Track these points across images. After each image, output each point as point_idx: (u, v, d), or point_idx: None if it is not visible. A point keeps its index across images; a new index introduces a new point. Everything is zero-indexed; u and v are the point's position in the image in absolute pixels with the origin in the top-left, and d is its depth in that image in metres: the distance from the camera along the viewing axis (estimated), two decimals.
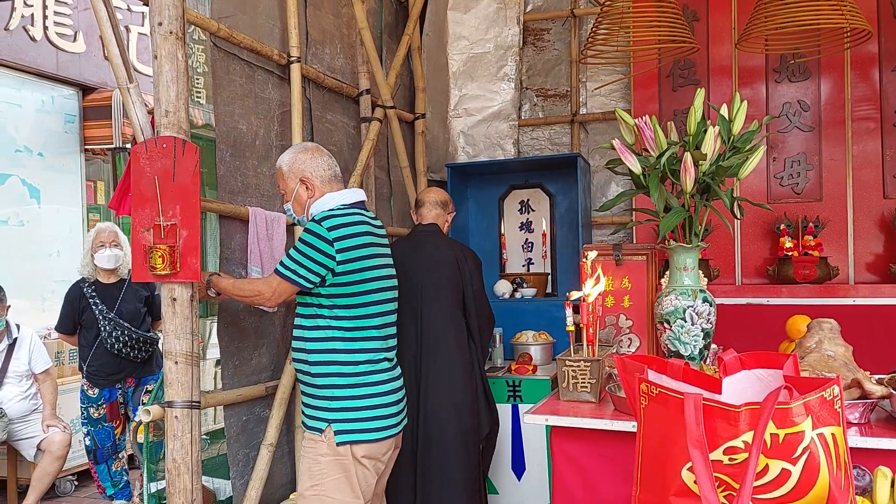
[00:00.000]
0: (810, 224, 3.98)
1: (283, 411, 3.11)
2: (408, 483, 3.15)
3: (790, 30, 3.47)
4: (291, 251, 2.35)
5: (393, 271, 2.53)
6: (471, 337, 3.27)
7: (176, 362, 2.36)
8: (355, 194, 2.47)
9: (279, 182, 2.53)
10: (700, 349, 2.30)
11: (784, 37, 3.68)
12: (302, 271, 2.27)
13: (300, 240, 2.33)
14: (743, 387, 1.31)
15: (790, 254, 3.93)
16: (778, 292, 3.79)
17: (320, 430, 2.30)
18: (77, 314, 4.39)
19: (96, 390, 4.33)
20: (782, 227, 4.04)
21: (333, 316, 2.31)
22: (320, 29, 3.73)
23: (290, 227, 3.24)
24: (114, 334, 4.28)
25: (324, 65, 3.74)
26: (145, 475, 2.98)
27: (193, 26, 2.79)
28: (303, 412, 2.42)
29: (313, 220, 2.34)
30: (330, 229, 2.29)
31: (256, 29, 3.17)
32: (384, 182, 4.37)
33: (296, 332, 2.42)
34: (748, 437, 1.12)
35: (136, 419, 3.25)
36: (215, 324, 3.03)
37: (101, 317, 4.30)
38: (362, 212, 2.43)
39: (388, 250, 2.53)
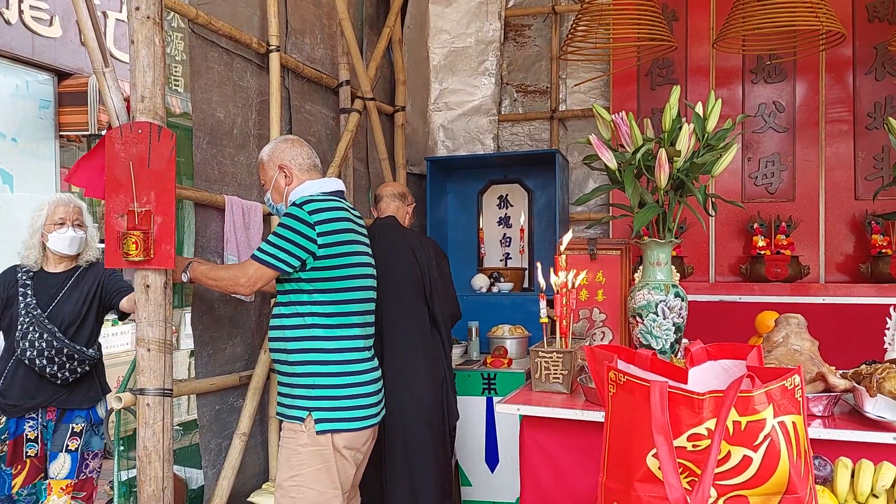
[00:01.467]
0: (783, 223, 4.05)
1: (256, 401, 3.10)
2: (374, 478, 3.11)
3: (767, 31, 3.53)
4: (270, 237, 2.32)
5: (372, 261, 2.53)
6: (435, 326, 3.25)
7: (149, 349, 2.35)
8: (334, 183, 2.48)
9: (260, 173, 2.54)
10: (671, 343, 2.33)
11: (761, 38, 3.74)
12: (282, 255, 2.26)
13: (280, 224, 2.32)
14: (708, 377, 1.34)
15: (763, 252, 3.99)
16: (750, 290, 3.85)
17: (301, 419, 2.29)
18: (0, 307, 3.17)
19: (2, 419, 3.12)
20: (755, 226, 4.10)
21: (314, 301, 2.31)
22: (300, 18, 3.71)
23: (266, 217, 3.23)
24: (31, 338, 3.03)
25: (303, 55, 3.72)
26: (116, 464, 2.92)
27: (172, 13, 2.77)
28: (280, 402, 2.40)
29: (294, 204, 2.34)
30: (311, 213, 2.28)
31: (235, 17, 3.15)
32: (362, 174, 4.36)
33: (274, 321, 2.41)
34: (711, 424, 1.14)
35: (109, 406, 3.21)
36: (187, 313, 3.02)
37: (23, 312, 3.07)
38: (342, 200, 2.43)
39: (367, 240, 2.53)
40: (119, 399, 2.40)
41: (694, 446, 1.14)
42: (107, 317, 3.38)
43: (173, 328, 2.44)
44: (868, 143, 4.08)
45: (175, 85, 4.83)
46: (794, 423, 1.17)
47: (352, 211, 2.47)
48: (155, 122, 2.31)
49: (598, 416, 1.84)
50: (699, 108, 2.36)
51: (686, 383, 1.27)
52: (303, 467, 2.30)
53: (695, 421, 1.14)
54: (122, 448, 2.75)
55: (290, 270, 2.28)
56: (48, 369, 3.06)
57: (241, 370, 3.12)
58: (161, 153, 2.31)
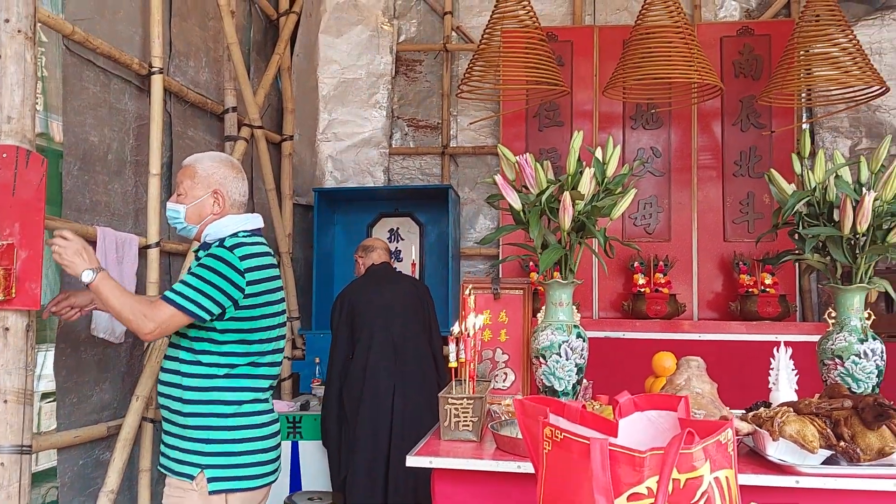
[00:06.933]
0: (660, 263, 4.24)
1: (126, 454, 2.83)
2: (376, 483, 3.38)
3: (647, 81, 3.72)
4: (188, 278, 2.07)
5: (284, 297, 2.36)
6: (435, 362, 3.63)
7: (5, 401, 2.06)
8: (255, 220, 2.26)
9: (183, 179, 2.22)
10: (573, 384, 2.34)
11: (641, 87, 3.94)
12: (204, 301, 2.02)
13: (204, 265, 2.07)
14: (636, 429, 1.33)
15: (643, 290, 4.16)
16: (633, 326, 3.99)
17: (191, 477, 2.06)
18: None
19: None
20: (636, 264, 4.27)
21: (224, 352, 2.09)
22: (185, 40, 3.52)
23: (142, 250, 2.99)
24: None
25: (187, 78, 3.52)
26: None
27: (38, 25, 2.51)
28: (166, 454, 2.15)
29: (222, 245, 2.11)
30: (242, 258, 2.08)
31: (115, 35, 2.93)
32: (248, 204, 4.16)
33: (169, 365, 2.16)
34: (652, 482, 1.12)
35: None
36: (50, 353, 2.71)
37: None
38: (264, 240, 2.25)
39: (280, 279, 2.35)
40: None
41: None
42: None
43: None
44: (735, 188, 4.38)
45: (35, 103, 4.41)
46: (727, 477, 1.18)
47: (269, 248, 2.30)
48: (23, 145, 2.07)
49: (511, 465, 1.80)
50: (599, 153, 2.41)
51: (616, 437, 1.25)
52: None
53: (635, 480, 1.12)
54: None
55: (208, 318, 2.05)
56: None
57: (109, 419, 2.85)
58: (28, 180, 2.06)
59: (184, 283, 2.06)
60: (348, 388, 3.47)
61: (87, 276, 2.03)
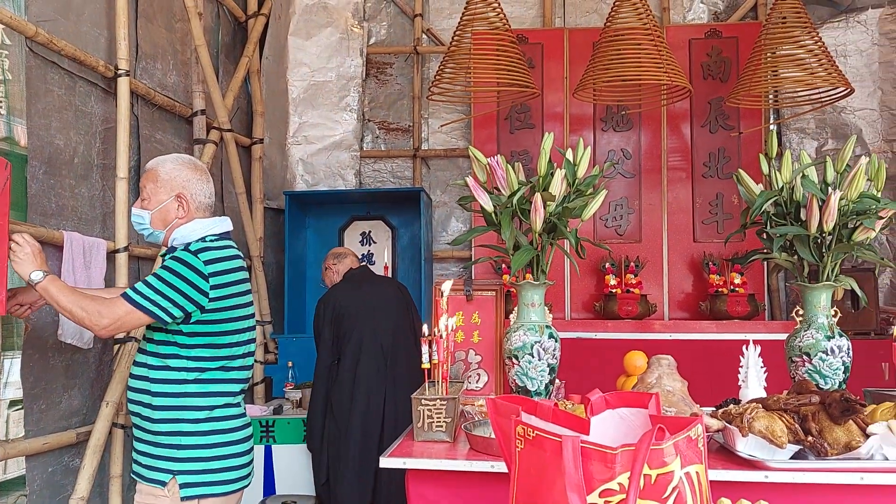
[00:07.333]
0: (632, 263, 4.28)
1: (96, 460, 2.79)
2: (365, 489, 3.35)
3: (616, 83, 3.76)
4: (151, 279, 2.04)
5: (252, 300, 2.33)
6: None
7: None
8: (224, 223, 2.22)
9: (146, 184, 2.18)
10: (546, 384, 2.35)
11: (611, 89, 3.97)
12: (164, 303, 1.99)
13: (167, 267, 2.04)
14: (608, 426, 1.33)
15: (614, 291, 4.19)
16: (605, 327, 4.02)
17: (162, 483, 2.03)
18: None
19: None
20: (607, 265, 4.31)
21: (193, 357, 2.06)
22: (152, 42, 3.47)
23: (110, 255, 2.94)
24: None
25: (154, 81, 3.48)
26: None
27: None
28: (138, 461, 2.11)
29: (187, 249, 2.07)
30: (207, 263, 2.05)
31: (80, 37, 2.88)
32: (217, 208, 4.11)
33: (137, 371, 2.12)
34: (623, 478, 1.13)
35: None
36: (16, 359, 2.66)
37: None
38: (233, 244, 2.22)
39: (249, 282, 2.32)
40: None
41: (606, 502, 1.13)
42: None
43: None
44: (704, 189, 4.44)
45: None
46: (697, 472, 1.19)
47: (239, 254, 2.26)
48: None
49: (485, 465, 1.80)
50: (570, 155, 2.42)
51: (588, 434, 1.26)
52: None
53: (607, 476, 1.13)
54: None
55: (169, 321, 2.02)
56: None
57: (78, 426, 2.81)
58: None
59: (145, 282, 2.04)
60: (337, 393, 3.42)
61: (36, 277, 2.01)
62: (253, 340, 2.25)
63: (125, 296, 2.02)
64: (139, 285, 2.04)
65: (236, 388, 2.16)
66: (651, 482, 1.14)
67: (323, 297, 3.57)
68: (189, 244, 2.11)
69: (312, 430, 3.49)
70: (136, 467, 2.13)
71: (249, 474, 2.19)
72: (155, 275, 2.05)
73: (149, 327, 2.13)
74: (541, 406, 1.32)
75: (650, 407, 1.30)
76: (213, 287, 2.04)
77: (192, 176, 2.19)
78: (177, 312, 2.01)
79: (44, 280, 2.01)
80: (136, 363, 2.15)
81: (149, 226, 2.17)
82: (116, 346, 2.98)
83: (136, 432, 2.13)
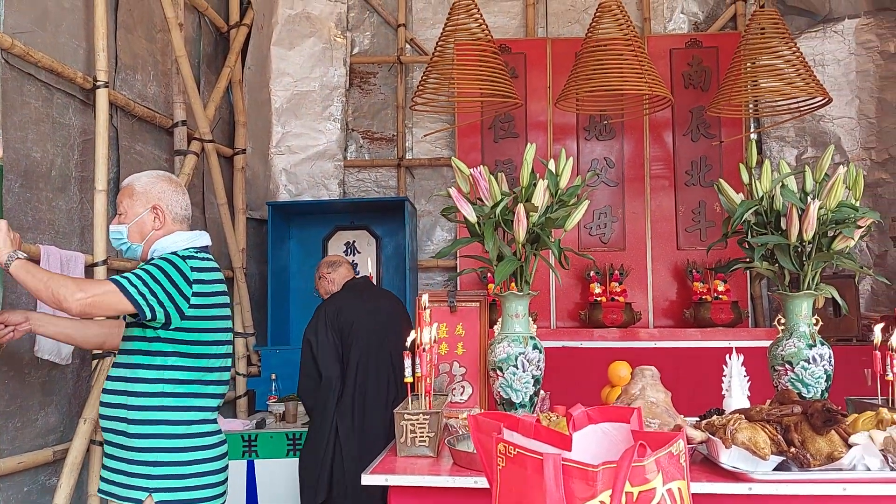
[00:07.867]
0: (616, 272, 4.28)
1: (73, 479, 2.74)
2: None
3: (599, 93, 3.77)
4: (138, 271, 2.02)
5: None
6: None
7: None
8: (203, 237, 2.22)
9: (122, 199, 2.18)
10: (531, 396, 2.33)
11: (594, 99, 3.99)
12: (148, 295, 1.96)
13: (156, 265, 2.03)
14: (590, 442, 1.32)
15: (599, 299, 4.19)
16: (590, 336, 4.01)
17: (138, 502, 2.00)
18: None
19: None
20: (592, 273, 4.31)
21: (170, 366, 2.04)
22: (131, 53, 3.44)
23: (88, 268, 2.90)
24: None
25: (134, 92, 3.45)
26: None
27: None
28: (110, 479, 2.07)
29: (176, 254, 2.07)
30: (193, 270, 2.05)
31: (58, 48, 2.85)
32: (199, 220, 4.09)
33: (112, 385, 2.09)
34: (605, 496, 1.12)
35: None
36: None
37: None
38: (212, 258, 2.21)
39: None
40: None
41: None
42: None
43: None
44: (687, 197, 4.46)
45: None
46: (679, 488, 1.18)
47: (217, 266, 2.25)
48: None
49: (468, 481, 1.78)
50: (552, 165, 2.42)
51: (570, 450, 1.25)
52: None
53: (588, 494, 1.11)
54: None
55: (146, 317, 1.98)
56: None
57: (55, 444, 2.76)
58: None
59: (134, 274, 2.02)
60: (341, 412, 3.31)
61: (6, 258, 2.00)
62: (230, 355, 2.24)
63: (115, 279, 2.00)
64: (128, 274, 2.02)
65: (213, 402, 2.14)
66: (633, 499, 1.13)
67: (324, 304, 3.46)
68: (176, 252, 2.10)
69: (318, 441, 3.37)
70: (107, 486, 2.08)
71: (225, 492, 2.17)
72: (143, 269, 2.03)
73: (125, 338, 2.10)
74: (522, 422, 1.30)
75: (632, 422, 1.29)
76: (195, 294, 2.03)
77: (167, 188, 2.19)
78: (157, 308, 1.98)
79: (14, 262, 2.00)
80: (110, 377, 2.12)
81: (126, 240, 2.17)
82: (95, 362, 2.94)
83: (110, 449, 2.09)
